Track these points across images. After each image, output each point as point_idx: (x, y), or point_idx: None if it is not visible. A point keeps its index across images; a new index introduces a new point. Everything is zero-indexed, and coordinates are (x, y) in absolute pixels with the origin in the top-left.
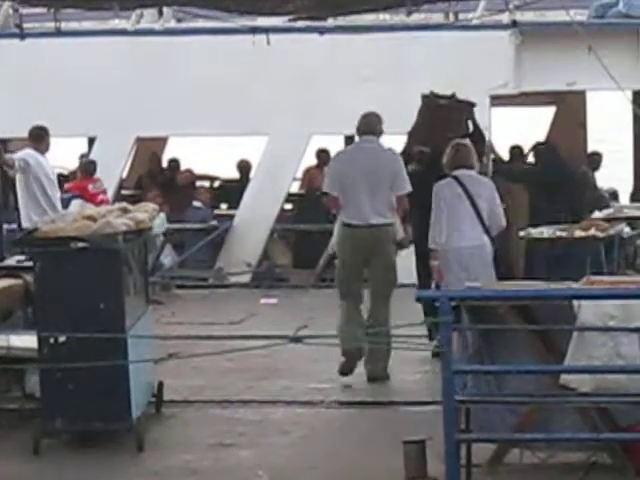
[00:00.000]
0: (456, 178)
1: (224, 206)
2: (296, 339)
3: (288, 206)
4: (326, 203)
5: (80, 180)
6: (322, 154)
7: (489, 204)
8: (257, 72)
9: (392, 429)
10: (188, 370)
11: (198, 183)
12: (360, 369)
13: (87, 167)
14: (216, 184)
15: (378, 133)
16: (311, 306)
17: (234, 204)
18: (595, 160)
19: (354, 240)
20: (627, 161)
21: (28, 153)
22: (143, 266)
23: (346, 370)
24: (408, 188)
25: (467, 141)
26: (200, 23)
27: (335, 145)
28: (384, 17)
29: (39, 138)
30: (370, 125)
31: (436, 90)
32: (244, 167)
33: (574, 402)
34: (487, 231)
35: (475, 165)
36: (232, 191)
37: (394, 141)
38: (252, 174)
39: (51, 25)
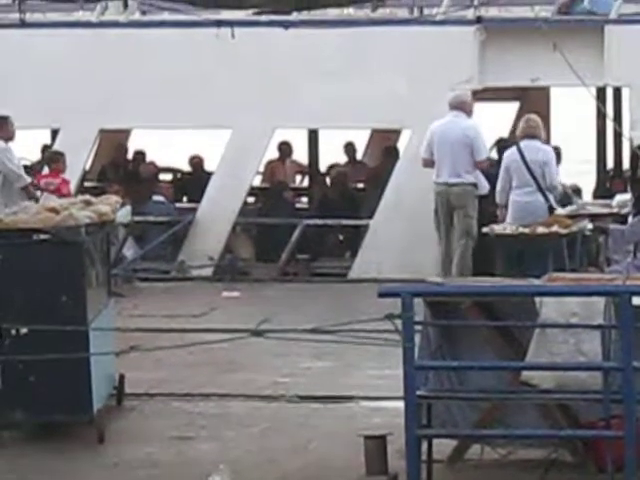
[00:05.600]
0: (518, 147)
1: (185, 199)
2: (258, 333)
3: (251, 199)
4: (423, 164)
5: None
6: (284, 146)
7: (542, 168)
8: (221, 65)
9: (353, 424)
10: (149, 363)
11: (162, 176)
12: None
13: (48, 158)
14: (174, 177)
15: (465, 109)
16: (273, 300)
17: (193, 197)
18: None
19: (438, 195)
20: None
21: None
22: (105, 258)
23: None
24: (485, 155)
25: (535, 115)
26: (165, 16)
27: (298, 139)
28: (349, 12)
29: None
30: (457, 102)
31: (400, 84)
32: (196, 163)
33: (535, 399)
34: (541, 189)
35: (540, 135)
36: (190, 184)
37: (358, 135)
38: (215, 167)
39: (15, 16)
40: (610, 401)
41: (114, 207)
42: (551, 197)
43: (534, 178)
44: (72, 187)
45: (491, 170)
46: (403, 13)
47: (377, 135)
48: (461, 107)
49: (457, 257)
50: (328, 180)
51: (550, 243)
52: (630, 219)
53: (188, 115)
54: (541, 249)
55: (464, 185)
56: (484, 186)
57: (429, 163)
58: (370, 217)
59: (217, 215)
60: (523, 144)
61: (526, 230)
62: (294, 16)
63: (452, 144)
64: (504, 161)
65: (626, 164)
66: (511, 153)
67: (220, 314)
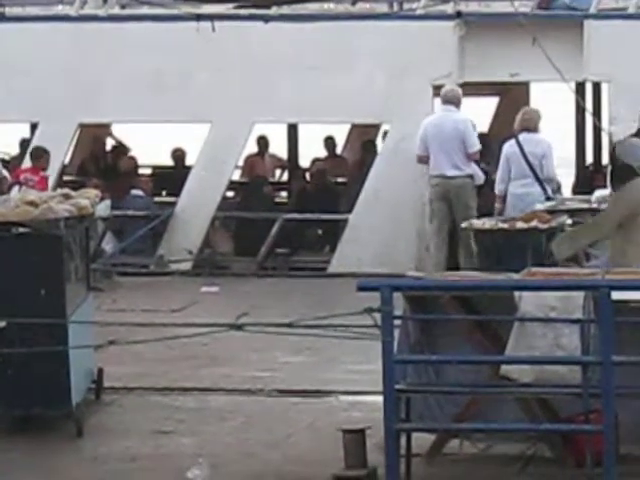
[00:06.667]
0: (517, 139)
1: (164, 193)
2: (237, 327)
3: (230, 194)
4: (418, 160)
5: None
6: (262, 141)
7: (540, 160)
8: (201, 59)
9: (332, 418)
10: (128, 357)
11: (141, 170)
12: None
13: (33, 153)
14: (154, 171)
15: (456, 103)
16: (252, 294)
17: (172, 191)
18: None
19: (436, 188)
20: None
21: None
22: (84, 252)
23: None
24: (476, 147)
25: (533, 108)
26: (144, 10)
27: (277, 133)
28: (329, 6)
29: None
30: (450, 96)
31: (379, 79)
32: (179, 156)
33: (514, 393)
34: (539, 181)
35: (537, 128)
36: (169, 178)
37: (338, 130)
38: (194, 161)
39: None
40: (589, 395)
41: (93, 201)
42: (549, 188)
43: (532, 170)
44: (51, 181)
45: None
46: (383, 8)
47: (356, 130)
48: (453, 101)
49: (462, 248)
50: (307, 174)
51: (529, 238)
52: None
53: (167, 109)
54: (520, 244)
55: (463, 177)
56: (480, 176)
57: (424, 159)
58: (349, 211)
59: (196, 209)
60: (522, 137)
61: (505, 225)
62: (274, 10)
63: (446, 137)
64: (504, 152)
65: (605, 160)
66: (510, 145)
67: (199, 308)
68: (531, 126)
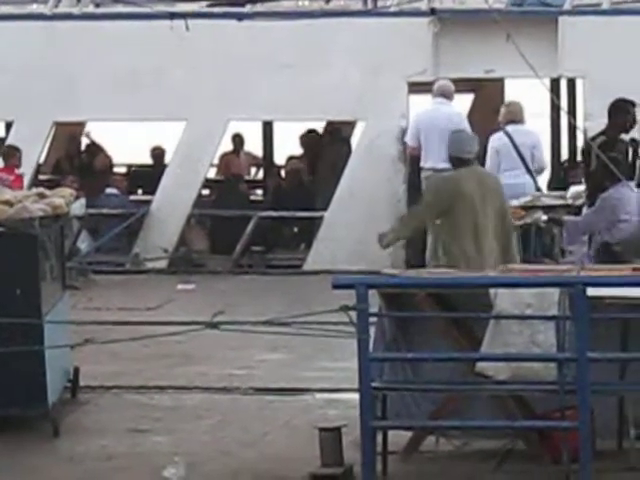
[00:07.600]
0: (505, 131)
1: (140, 191)
2: (213, 325)
3: (205, 192)
4: (408, 152)
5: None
6: (237, 139)
7: (531, 150)
8: (175, 58)
9: (308, 416)
10: (104, 356)
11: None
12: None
13: (4, 153)
14: (130, 169)
15: (449, 96)
16: (228, 292)
17: (149, 189)
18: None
19: (427, 180)
20: None
21: None
22: (60, 251)
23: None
24: None
25: (517, 101)
26: (119, 8)
27: (252, 131)
28: (303, 3)
29: None
30: (444, 90)
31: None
32: (158, 154)
33: (490, 390)
34: (529, 171)
35: (523, 120)
36: (145, 177)
37: (314, 126)
38: (170, 159)
39: None
40: (565, 392)
41: (68, 200)
42: (538, 179)
43: (523, 161)
44: (26, 180)
45: None
46: (357, 5)
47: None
48: (446, 94)
49: None
50: (283, 172)
51: None
52: (584, 210)
53: (142, 107)
54: None
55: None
56: None
57: (416, 150)
58: (325, 209)
59: (171, 207)
60: (510, 128)
61: None
62: (248, 8)
63: (440, 130)
64: (492, 145)
65: (580, 156)
66: (499, 137)
67: (175, 306)
68: (517, 118)
